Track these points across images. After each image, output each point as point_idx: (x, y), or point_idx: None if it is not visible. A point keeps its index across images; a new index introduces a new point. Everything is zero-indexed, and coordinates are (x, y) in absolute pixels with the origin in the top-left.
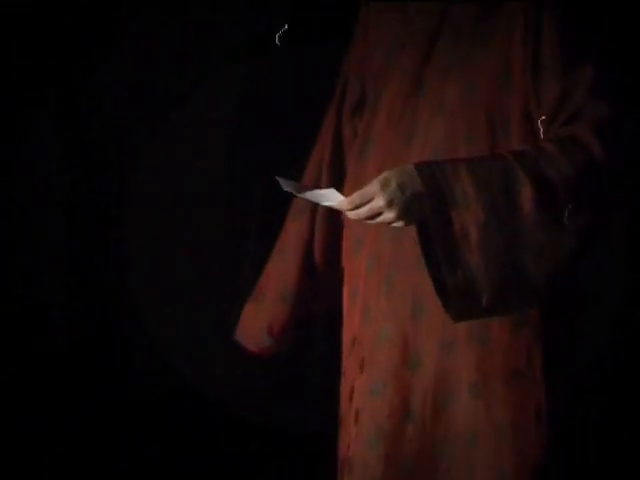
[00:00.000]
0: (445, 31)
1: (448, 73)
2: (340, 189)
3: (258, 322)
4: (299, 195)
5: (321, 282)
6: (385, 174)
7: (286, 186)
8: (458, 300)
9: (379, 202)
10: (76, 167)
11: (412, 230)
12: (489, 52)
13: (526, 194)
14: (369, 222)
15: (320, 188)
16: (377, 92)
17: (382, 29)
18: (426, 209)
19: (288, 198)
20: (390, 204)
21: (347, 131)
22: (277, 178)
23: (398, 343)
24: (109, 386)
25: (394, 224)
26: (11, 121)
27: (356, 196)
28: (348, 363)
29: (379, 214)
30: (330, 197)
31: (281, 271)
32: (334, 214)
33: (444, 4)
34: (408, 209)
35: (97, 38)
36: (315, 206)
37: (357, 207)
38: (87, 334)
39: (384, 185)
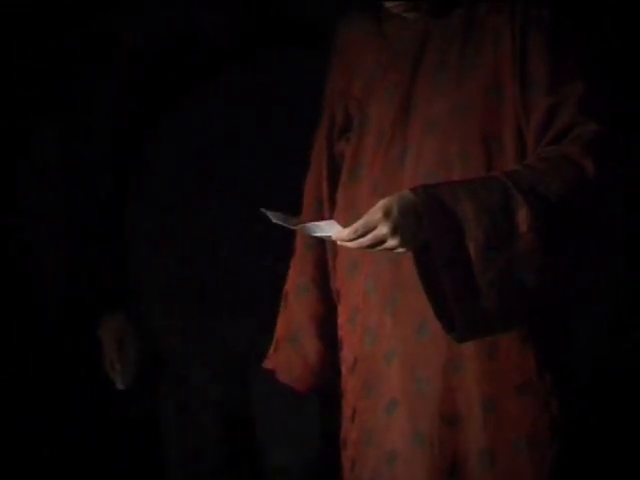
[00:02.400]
0: (430, 49)
1: (437, 90)
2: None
3: (305, 361)
4: (290, 227)
5: None
6: (385, 201)
7: (275, 218)
8: (460, 322)
9: (383, 230)
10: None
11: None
12: (477, 67)
13: (522, 214)
14: (370, 250)
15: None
16: (362, 115)
17: (361, 55)
18: (427, 233)
19: None
20: (394, 231)
21: (339, 160)
22: (264, 211)
23: (405, 363)
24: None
25: (396, 250)
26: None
27: (359, 225)
28: (349, 384)
29: (382, 242)
30: (326, 229)
31: (306, 310)
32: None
33: (424, 25)
34: (411, 235)
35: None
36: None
37: (360, 236)
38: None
39: (386, 212)
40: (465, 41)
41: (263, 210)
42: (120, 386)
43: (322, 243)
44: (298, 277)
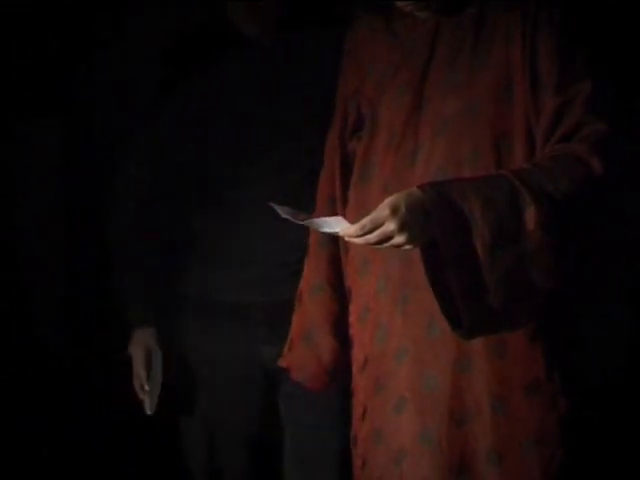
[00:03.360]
0: (441, 48)
1: (448, 89)
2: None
3: (319, 360)
4: (298, 222)
5: None
6: (393, 198)
7: (284, 213)
8: (467, 319)
9: (390, 227)
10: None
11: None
12: (488, 67)
13: (530, 213)
14: (377, 247)
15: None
16: (374, 114)
17: (372, 55)
18: (435, 230)
19: None
20: (401, 228)
21: (352, 159)
22: (272, 205)
23: (415, 361)
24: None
25: (404, 247)
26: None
27: (367, 221)
28: (360, 383)
29: (389, 238)
30: (334, 225)
31: (320, 309)
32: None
33: (435, 23)
34: (419, 232)
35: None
36: (336, 237)
37: (368, 233)
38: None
39: (394, 210)
40: (476, 40)
41: (272, 205)
42: (149, 411)
43: (335, 241)
44: (312, 276)
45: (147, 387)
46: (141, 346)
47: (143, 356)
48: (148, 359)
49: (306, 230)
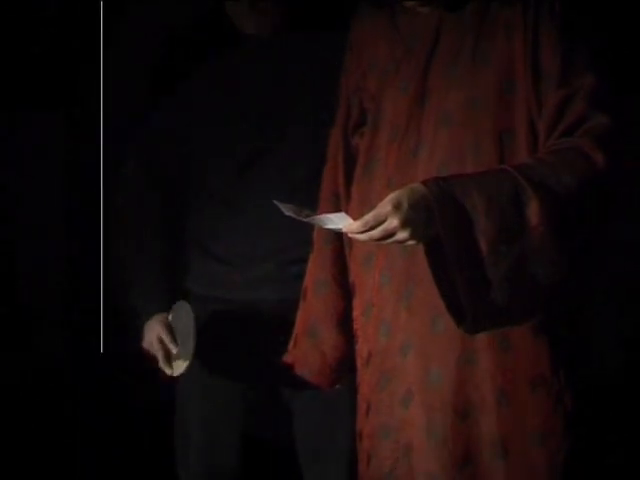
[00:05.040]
0: (443, 43)
1: (450, 83)
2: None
3: (323, 356)
4: (302, 219)
5: None
6: (395, 194)
7: (287, 210)
8: (470, 314)
9: (393, 222)
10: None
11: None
12: (490, 61)
13: (533, 207)
14: (380, 243)
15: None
16: (377, 109)
17: (375, 50)
18: (438, 226)
19: None
20: (404, 224)
21: (355, 154)
22: (276, 202)
23: (420, 356)
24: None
25: (407, 243)
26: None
27: (370, 218)
28: (364, 378)
29: (392, 234)
30: (337, 221)
31: (325, 305)
32: None
33: (438, 18)
34: (422, 228)
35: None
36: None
37: (371, 229)
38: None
39: (396, 206)
40: (478, 35)
41: (275, 202)
42: (176, 372)
43: (340, 237)
44: (317, 273)
45: (174, 350)
46: (156, 327)
47: (162, 327)
48: (169, 329)
49: (313, 227)
